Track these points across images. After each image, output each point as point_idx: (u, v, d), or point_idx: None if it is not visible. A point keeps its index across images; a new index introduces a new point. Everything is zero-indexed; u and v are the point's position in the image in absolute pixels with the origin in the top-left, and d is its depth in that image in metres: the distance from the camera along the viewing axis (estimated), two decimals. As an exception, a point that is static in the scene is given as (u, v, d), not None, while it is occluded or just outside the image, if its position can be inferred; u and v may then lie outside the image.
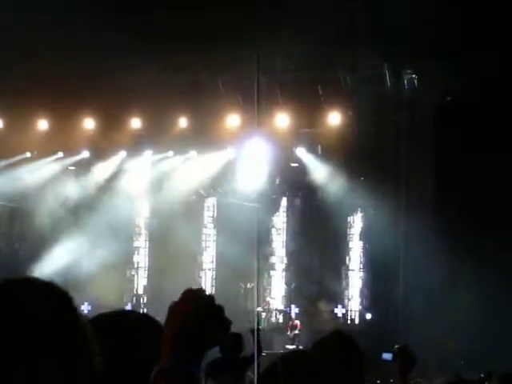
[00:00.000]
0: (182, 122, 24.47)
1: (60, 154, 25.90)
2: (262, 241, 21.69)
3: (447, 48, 20.67)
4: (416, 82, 22.76)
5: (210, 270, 26.80)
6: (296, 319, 23.77)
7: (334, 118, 23.28)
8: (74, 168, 26.27)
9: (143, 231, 27.48)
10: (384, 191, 21.87)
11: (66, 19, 20.70)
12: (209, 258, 26.84)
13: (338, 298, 24.63)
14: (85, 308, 22.70)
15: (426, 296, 20.82)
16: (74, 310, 1.86)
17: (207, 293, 2.26)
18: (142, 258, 27.46)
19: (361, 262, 24.83)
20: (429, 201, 22.03)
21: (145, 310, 25.76)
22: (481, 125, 20.71)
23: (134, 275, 27.35)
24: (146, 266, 27.36)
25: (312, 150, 24.40)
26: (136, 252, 27.41)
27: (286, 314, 24.84)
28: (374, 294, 23.86)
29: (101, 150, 25.60)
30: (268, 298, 25.53)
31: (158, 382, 2.01)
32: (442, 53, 21.02)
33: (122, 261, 25.95)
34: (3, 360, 1.74)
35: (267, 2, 20.77)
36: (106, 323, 2.56)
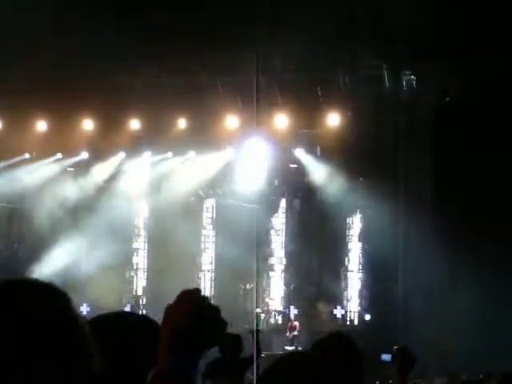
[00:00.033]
0: (181, 123, 24.46)
1: (59, 155, 25.89)
2: (261, 242, 21.69)
3: (446, 49, 20.68)
4: (415, 82, 22.77)
5: (209, 271, 26.79)
6: (295, 320, 23.77)
7: (333, 119, 23.27)
8: (72, 169, 26.26)
9: (142, 232, 27.47)
10: (383, 192, 21.86)
11: (66, 20, 20.71)
12: (208, 259, 26.83)
13: (337, 298, 24.63)
14: (84, 309, 22.70)
15: (425, 296, 20.82)
16: (72, 311, 1.86)
17: (203, 294, 2.26)
18: (141, 260, 27.45)
19: (360, 263, 24.83)
20: (428, 201, 22.04)
21: (144, 312, 25.74)
22: (480, 125, 20.72)
23: (133, 276, 27.34)
24: (145, 267, 27.36)
25: (311, 150, 24.39)
26: (135, 253, 27.41)
27: (285, 315, 24.83)
28: (373, 294, 23.86)
29: (100, 151, 25.59)
30: (267, 299, 25.53)
31: None
32: (440, 54, 21.03)
33: (121, 262, 25.95)
34: (2, 360, 1.74)
35: (267, 2, 20.78)
36: (105, 324, 2.55)
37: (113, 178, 25.84)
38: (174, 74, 23.22)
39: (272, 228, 25.97)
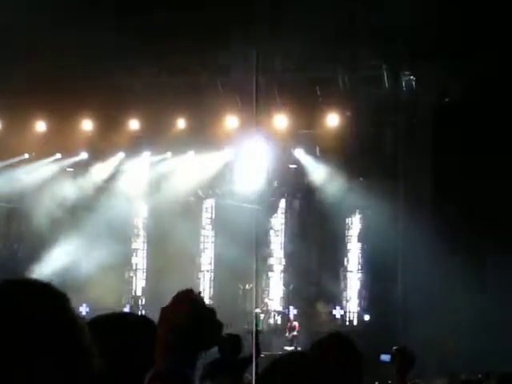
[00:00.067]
0: (180, 123, 24.46)
1: (58, 156, 25.89)
2: (260, 242, 21.69)
3: (445, 49, 20.69)
4: (414, 83, 22.78)
5: (208, 271, 26.78)
6: (294, 320, 23.77)
7: (333, 119, 23.28)
8: (72, 169, 26.26)
9: (141, 232, 27.46)
10: (382, 192, 21.86)
11: (65, 20, 20.69)
12: (207, 260, 26.83)
13: (336, 299, 24.62)
14: (83, 309, 22.68)
15: (424, 297, 20.80)
16: (71, 312, 1.86)
17: (199, 295, 2.27)
18: (140, 260, 27.44)
19: (359, 263, 24.83)
20: (427, 201, 22.04)
21: (143, 312, 25.73)
22: (479, 125, 20.73)
23: (132, 277, 27.34)
24: (145, 267, 27.35)
25: (310, 151, 24.38)
26: (134, 253, 27.40)
27: (285, 316, 24.83)
28: (373, 295, 23.86)
29: (99, 151, 25.59)
30: (266, 300, 25.53)
31: None
32: (439, 54, 21.04)
33: (120, 262, 25.95)
34: (2, 360, 1.74)
35: (267, 2, 20.77)
36: (105, 325, 2.56)
37: (112, 178, 25.84)
38: (174, 74, 23.23)
39: (271, 228, 25.97)
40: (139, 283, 27.30)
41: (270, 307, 25.47)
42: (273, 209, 25.61)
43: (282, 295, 25.84)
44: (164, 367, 2.03)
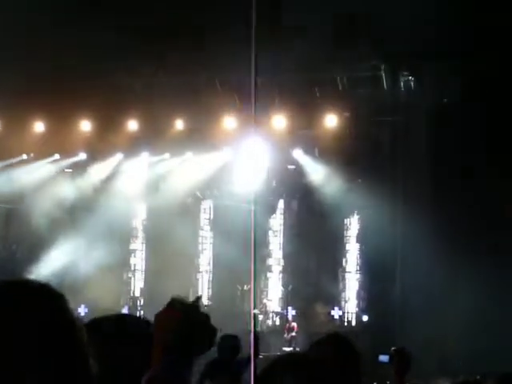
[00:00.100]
0: (179, 124, 24.46)
1: (56, 156, 25.88)
2: (258, 243, 21.69)
3: (444, 50, 20.69)
4: (413, 83, 22.78)
5: (206, 272, 26.79)
6: (293, 321, 23.77)
7: (331, 120, 23.28)
8: (70, 170, 26.25)
9: (140, 233, 27.46)
10: (381, 193, 21.86)
11: (64, 20, 20.69)
12: (205, 261, 26.83)
13: (334, 299, 24.63)
14: (82, 310, 22.69)
15: (423, 297, 20.81)
16: (69, 312, 1.86)
17: (194, 301, 2.29)
18: (138, 261, 27.45)
19: (357, 264, 24.84)
20: (426, 202, 22.02)
21: (142, 313, 25.76)
22: (477, 126, 20.73)
23: (130, 278, 27.34)
24: (143, 268, 27.35)
25: (309, 151, 24.39)
26: (133, 254, 27.40)
27: (283, 316, 24.83)
28: (371, 295, 23.86)
29: (97, 152, 25.58)
30: (265, 300, 25.53)
31: None
32: (438, 55, 21.04)
33: (118, 263, 25.94)
34: (1, 361, 1.74)
35: (266, 2, 20.76)
36: (103, 327, 2.56)
37: (110, 178, 25.83)
38: (172, 74, 23.21)
39: (270, 229, 25.97)
40: (137, 284, 27.30)
41: (268, 308, 25.47)
42: (271, 209, 25.61)
43: (280, 296, 25.85)
44: (160, 369, 2.04)
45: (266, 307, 25.31)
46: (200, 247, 26.86)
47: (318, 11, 19.76)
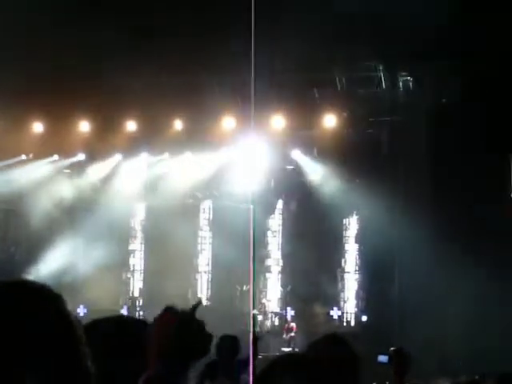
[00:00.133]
0: (178, 124, 24.47)
1: (55, 157, 25.87)
2: (257, 243, 21.69)
3: (442, 50, 20.70)
4: (411, 83, 22.80)
5: (205, 272, 26.78)
6: (292, 322, 23.77)
7: (330, 120, 23.29)
8: (69, 171, 26.24)
9: (139, 234, 27.47)
10: (380, 193, 21.86)
11: (63, 20, 20.68)
12: (204, 261, 26.82)
13: (333, 300, 24.63)
14: (81, 311, 22.69)
15: (422, 297, 20.81)
16: (67, 313, 1.87)
17: (191, 307, 2.31)
18: (137, 261, 27.45)
19: (356, 264, 24.84)
20: (425, 202, 22.03)
21: (141, 313, 25.77)
22: (477, 126, 20.73)
23: (129, 278, 27.34)
24: (142, 268, 27.35)
25: (308, 151, 24.40)
26: (132, 255, 27.40)
27: (282, 317, 24.84)
28: (370, 296, 23.87)
29: (96, 152, 25.57)
30: (264, 301, 25.53)
31: None
32: (437, 55, 21.05)
33: (117, 263, 25.94)
34: (2, 361, 1.75)
35: (265, 2, 20.73)
36: (102, 329, 2.56)
37: (109, 179, 25.83)
38: (171, 75, 23.20)
39: (269, 229, 25.97)
40: (137, 284, 27.31)
41: (267, 308, 25.48)
42: (270, 210, 25.61)
43: (279, 296, 25.85)
44: (156, 372, 2.06)
45: (264, 307, 25.31)
46: (199, 247, 26.86)
47: (318, 11, 19.75)
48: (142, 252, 27.37)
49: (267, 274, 26.03)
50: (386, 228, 21.88)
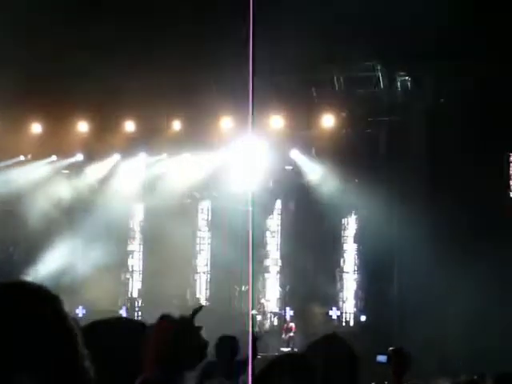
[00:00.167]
0: (176, 125, 24.47)
1: (54, 158, 25.86)
2: (256, 243, 21.68)
3: (440, 50, 20.70)
4: (409, 83, 22.80)
5: (204, 273, 26.77)
6: (291, 322, 23.77)
7: (328, 120, 23.30)
8: (67, 171, 26.23)
9: (137, 234, 27.45)
10: (378, 193, 21.87)
11: (62, 21, 20.66)
12: (203, 261, 26.81)
13: (332, 300, 24.63)
14: (79, 311, 22.67)
15: (421, 297, 20.81)
16: (64, 314, 1.87)
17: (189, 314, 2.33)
18: (136, 262, 27.43)
19: (355, 264, 24.84)
20: (423, 202, 22.03)
21: (139, 314, 25.76)
22: (474, 126, 20.74)
23: (128, 278, 27.32)
24: (141, 269, 27.33)
25: (306, 151, 24.39)
26: (130, 255, 27.38)
27: (281, 317, 24.83)
28: (369, 295, 23.86)
29: (95, 152, 25.56)
30: (263, 301, 25.52)
31: None
32: (435, 55, 21.05)
33: (116, 264, 25.92)
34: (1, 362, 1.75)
35: (264, 2, 20.72)
36: (102, 329, 2.56)
37: (108, 179, 25.82)
38: (169, 75, 23.19)
39: (267, 230, 25.96)
40: (135, 285, 27.29)
41: (266, 308, 25.47)
42: (269, 210, 25.60)
43: (278, 296, 25.85)
44: (152, 375, 2.07)
45: (263, 308, 25.30)
46: (198, 248, 26.84)
47: (316, 11, 19.75)
48: (141, 253, 27.35)
49: (266, 274, 26.02)
50: (385, 228, 21.88)
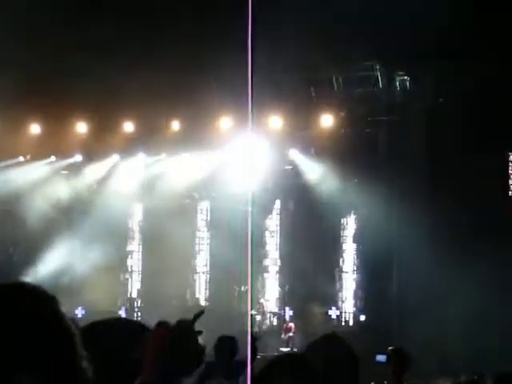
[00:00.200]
0: (175, 125, 24.47)
1: (53, 158, 25.86)
2: (255, 243, 21.68)
3: (439, 50, 20.70)
4: (408, 83, 22.81)
5: (203, 273, 26.77)
6: (290, 321, 23.77)
7: (327, 120, 23.31)
8: (66, 172, 26.22)
9: (137, 235, 27.45)
10: (377, 192, 21.87)
11: (63, 20, 20.66)
12: (202, 262, 26.81)
13: (332, 299, 24.62)
14: (79, 312, 22.66)
15: (420, 297, 20.81)
16: (61, 315, 1.87)
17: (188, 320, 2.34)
18: (135, 262, 27.43)
19: (354, 264, 24.84)
20: (422, 201, 22.04)
21: (139, 314, 25.75)
22: (474, 126, 20.75)
23: (127, 279, 27.31)
24: (140, 269, 27.33)
25: (305, 151, 24.40)
26: (130, 256, 27.38)
27: (281, 317, 24.83)
28: (368, 295, 23.86)
29: (93, 153, 25.56)
30: (262, 301, 25.52)
31: None
32: (434, 55, 21.05)
33: (115, 264, 25.92)
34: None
35: (264, 2, 20.70)
36: (101, 330, 2.56)
37: (107, 179, 25.82)
38: (168, 75, 23.18)
39: (266, 229, 25.95)
40: (135, 285, 27.28)
41: (265, 308, 25.47)
42: (268, 210, 25.60)
43: (277, 296, 25.84)
44: (151, 378, 2.07)
45: (263, 308, 25.30)
46: (197, 248, 26.84)
47: (315, 11, 19.75)
48: (140, 253, 27.35)
49: (265, 274, 26.02)
50: (384, 227, 21.89)
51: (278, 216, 26.11)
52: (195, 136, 24.05)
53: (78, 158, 25.99)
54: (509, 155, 22.56)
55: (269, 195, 25.13)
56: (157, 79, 23.10)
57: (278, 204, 26.02)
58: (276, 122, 23.33)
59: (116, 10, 20.72)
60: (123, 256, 27.03)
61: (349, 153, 23.20)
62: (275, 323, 25.15)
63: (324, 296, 24.40)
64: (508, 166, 22.46)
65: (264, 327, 24.80)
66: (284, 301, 25.32)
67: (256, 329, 22.58)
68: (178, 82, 23.30)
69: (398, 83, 22.87)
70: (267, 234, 26.03)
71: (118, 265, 26.56)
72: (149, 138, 24.69)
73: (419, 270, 20.72)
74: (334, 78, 23.03)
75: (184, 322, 2.30)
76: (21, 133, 24.80)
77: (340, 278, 24.93)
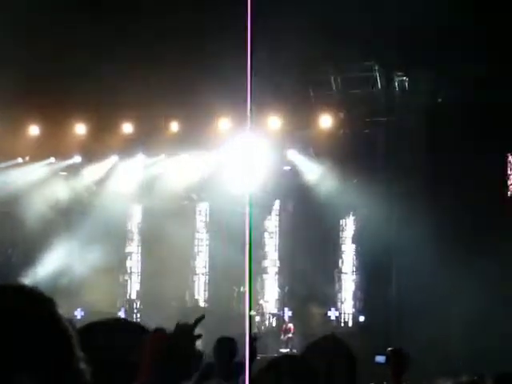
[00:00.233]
0: (174, 126, 24.47)
1: (52, 160, 25.85)
2: (254, 244, 21.65)
3: (438, 50, 20.71)
4: (407, 83, 22.81)
5: (203, 274, 26.76)
6: (289, 322, 23.76)
7: (326, 120, 23.32)
8: (65, 173, 26.22)
9: (136, 236, 27.44)
10: (376, 193, 21.87)
11: (63, 20, 20.66)
12: (202, 263, 26.81)
13: (331, 300, 24.62)
14: (78, 314, 22.65)
15: (420, 297, 20.80)
16: (58, 316, 1.87)
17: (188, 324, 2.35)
18: (134, 263, 27.42)
19: (353, 265, 24.83)
20: (421, 202, 22.04)
21: (138, 315, 25.75)
22: (474, 126, 20.75)
23: (127, 280, 27.31)
24: (139, 270, 27.33)
25: (304, 152, 24.39)
26: (129, 257, 27.37)
27: (280, 318, 24.82)
28: (367, 296, 23.86)
29: (92, 154, 25.56)
30: (261, 302, 25.51)
31: None
32: (432, 55, 21.06)
33: (114, 265, 25.92)
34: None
35: (263, 3, 20.69)
36: (99, 331, 2.56)
37: (106, 180, 25.81)
38: (168, 76, 23.16)
39: (265, 230, 25.95)
40: (134, 286, 27.28)
41: (264, 309, 25.46)
42: (267, 211, 25.59)
43: (276, 297, 25.84)
44: (148, 381, 2.08)
45: (262, 309, 25.29)
46: (196, 249, 26.84)
47: (314, 11, 19.75)
48: (139, 254, 27.35)
49: (264, 275, 26.01)
50: (383, 228, 21.88)
51: (277, 217, 26.11)
52: (194, 137, 24.05)
53: (77, 159, 25.99)
54: (509, 155, 22.55)
55: (268, 196, 25.12)
56: (156, 80, 23.10)
57: (277, 205, 26.01)
58: (275, 122, 23.33)
59: (116, 10, 20.72)
60: (122, 257, 27.03)
61: (348, 153, 23.20)
62: (274, 324, 25.14)
63: (323, 297, 24.40)
64: (508, 167, 22.46)
65: (263, 328, 24.79)
66: (283, 302, 25.32)
67: (255, 330, 22.57)
68: (177, 83, 23.29)
69: (396, 84, 22.87)
70: (266, 234, 26.03)
71: (117, 266, 26.56)
72: (148, 139, 24.69)
73: (418, 271, 20.71)
74: (332, 79, 23.03)
75: (183, 325, 2.29)
76: (20, 134, 24.80)
77: (339, 279, 24.93)
